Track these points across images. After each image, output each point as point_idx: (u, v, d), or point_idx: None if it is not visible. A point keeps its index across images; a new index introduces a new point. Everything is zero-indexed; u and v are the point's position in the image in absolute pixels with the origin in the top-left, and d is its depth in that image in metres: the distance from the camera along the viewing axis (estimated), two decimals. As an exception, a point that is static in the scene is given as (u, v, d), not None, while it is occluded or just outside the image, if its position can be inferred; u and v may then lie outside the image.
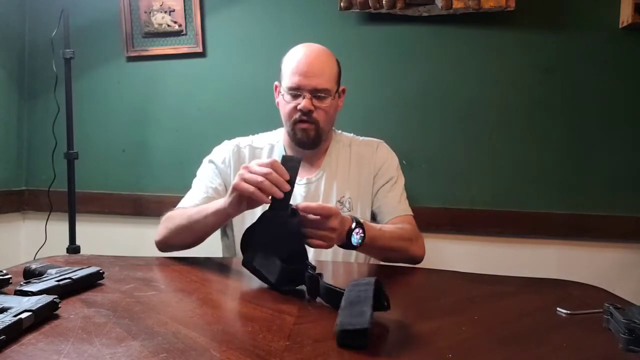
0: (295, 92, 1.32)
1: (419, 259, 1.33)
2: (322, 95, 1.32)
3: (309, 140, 1.36)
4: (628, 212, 1.82)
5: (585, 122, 1.84)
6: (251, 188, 0.98)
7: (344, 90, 1.43)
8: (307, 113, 1.31)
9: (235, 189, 1.02)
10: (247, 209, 1.08)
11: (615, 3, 1.79)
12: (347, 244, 1.12)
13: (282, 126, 1.44)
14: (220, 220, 1.16)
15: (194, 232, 1.20)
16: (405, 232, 1.31)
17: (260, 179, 0.97)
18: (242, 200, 1.03)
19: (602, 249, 1.84)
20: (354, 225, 1.11)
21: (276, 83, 1.41)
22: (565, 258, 1.86)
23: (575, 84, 1.84)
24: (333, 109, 1.38)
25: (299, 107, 1.31)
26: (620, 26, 1.79)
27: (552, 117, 1.85)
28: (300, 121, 1.33)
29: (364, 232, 1.13)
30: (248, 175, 0.99)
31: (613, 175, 1.83)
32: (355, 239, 1.11)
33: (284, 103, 1.35)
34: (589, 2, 1.81)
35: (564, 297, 0.97)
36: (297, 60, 1.33)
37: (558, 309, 0.88)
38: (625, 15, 1.76)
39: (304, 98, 1.31)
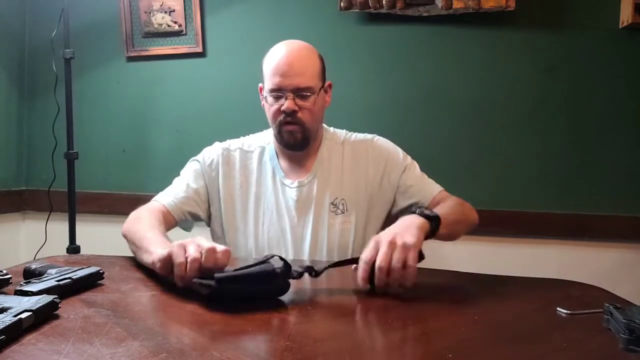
0: (277, 93, 1.28)
1: (477, 221, 1.34)
2: (306, 93, 1.28)
3: (296, 142, 1.32)
4: (628, 212, 1.82)
5: (585, 122, 1.84)
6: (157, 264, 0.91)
7: (330, 85, 1.39)
8: (290, 114, 1.27)
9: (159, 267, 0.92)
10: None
11: (615, 3, 1.79)
12: (430, 227, 1.06)
13: None
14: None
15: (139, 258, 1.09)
16: (457, 202, 1.32)
17: (179, 261, 0.87)
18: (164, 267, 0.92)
19: (602, 249, 1.84)
20: (417, 210, 1.07)
21: (260, 85, 1.37)
22: (566, 258, 1.86)
23: (575, 84, 1.84)
24: (319, 107, 1.33)
25: (282, 108, 1.27)
26: (620, 26, 1.79)
27: (552, 117, 1.85)
28: (286, 123, 1.29)
29: (425, 207, 1.12)
30: (176, 254, 0.89)
31: (613, 175, 1.83)
32: (428, 212, 1.07)
33: (267, 106, 1.32)
34: (589, 2, 1.82)
35: (564, 297, 0.97)
36: (276, 60, 1.29)
37: (558, 309, 0.87)
38: (625, 15, 1.76)
39: (286, 99, 1.27)
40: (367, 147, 1.41)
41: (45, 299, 0.73)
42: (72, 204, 1.85)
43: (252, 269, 0.85)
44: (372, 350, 0.71)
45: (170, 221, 1.31)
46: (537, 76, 1.86)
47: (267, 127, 1.50)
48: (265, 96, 1.31)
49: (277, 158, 1.40)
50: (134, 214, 1.26)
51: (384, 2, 1.82)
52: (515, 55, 1.86)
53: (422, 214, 1.06)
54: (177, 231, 1.36)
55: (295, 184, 1.36)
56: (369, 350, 0.71)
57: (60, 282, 0.84)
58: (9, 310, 0.68)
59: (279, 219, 1.35)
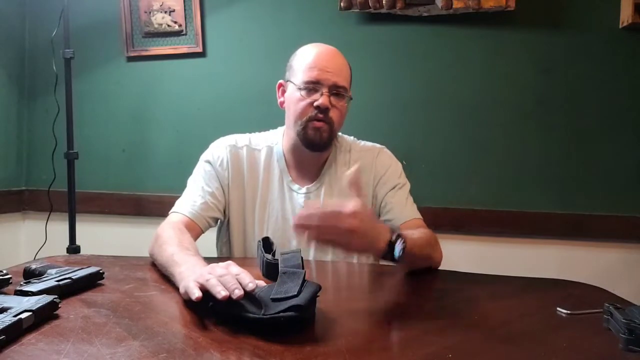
0: (314, 85, 1.23)
1: (439, 264, 1.25)
2: (341, 93, 1.25)
3: (321, 142, 1.26)
4: (628, 212, 1.82)
5: (585, 122, 1.84)
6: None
7: (351, 97, 1.35)
8: (324, 110, 1.22)
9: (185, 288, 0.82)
10: None
11: (615, 3, 1.79)
12: (388, 255, 0.97)
13: (281, 126, 1.38)
14: None
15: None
16: (429, 237, 1.20)
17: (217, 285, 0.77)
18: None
19: (602, 249, 1.84)
20: (394, 237, 0.97)
21: (281, 81, 1.33)
22: (565, 258, 1.86)
23: (575, 84, 1.84)
24: (345, 112, 1.30)
25: (316, 103, 1.22)
26: (620, 26, 1.79)
27: (551, 117, 1.85)
28: (316, 119, 1.23)
29: (404, 242, 0.98)
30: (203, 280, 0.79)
31: (613, 175, 1.83)
32: (398, 249, 0.96)
33: (297, 99, 1.25)
34: (589, 2, 1.82)
35: (564, 297, 0.97)
36: (315, 54, 1.25)
37: (558, 309, 0.87)
38: (625, 15, 1.76)
39: (321, 95, 1.22)
40: (373, 157, 1.38)
41: (45, 299, 0.73)
42: (72, 204, 1.85)
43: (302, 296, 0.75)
44: (372, 350, 0.71)
45: (196, 230, 1.25)
46: (537, 76, 1.86)
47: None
48: (300, 88, 1.25)
49: (285, 160, 1.35)
50: (156, 238, 1.15)
51: (384, 2, 1.82)
52: (515, 55, 1.86)
53: (394, 239, 0.97)
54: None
55: (304, 190, 1.33)
56: (369, 350, 0.71)
57: (60, 282, 0.84)
58: (9, 310, 0.68)
59: (284, 224, 1.32)
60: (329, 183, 1.35)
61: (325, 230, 0.87)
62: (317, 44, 1.31)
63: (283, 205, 1.33)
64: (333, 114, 1.24)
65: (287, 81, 1.31)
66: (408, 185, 1.40)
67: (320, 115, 1.23)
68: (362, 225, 0.89)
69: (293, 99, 1.27)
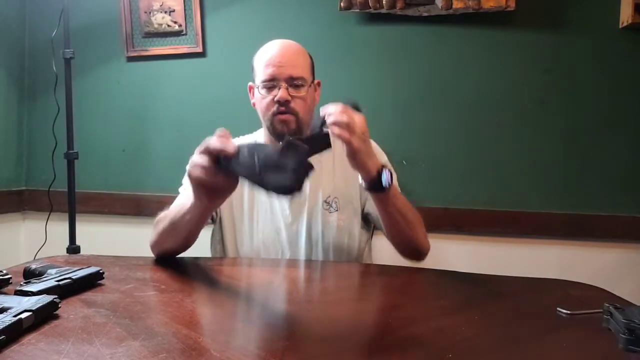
0: (271, 83, 1.28)
1: (425, 252, 1.27)
2: (299, 83, 1.29)
3: (290, 133, 1.29)
4: (628, 212, 1.82)
5: (585, 122, 1.84)
6: (197, 172, 0.89)
7: (319, 84, 1.39)
8: (284, 103, 1.27)
9: (189, 178, 0.92)
10: (213, 199, 0.94)
11: (615, 3, 1.79)
12: (376, 184, 1.07)
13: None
14: (200, 215, 1.04)
15: (179, 233, 1.10)
16: (418, 214, 1.25)
17: (201, 159, 0.89)
18: (198, 189, 0.92)
19: (602, 249, 1.84)
20: (382, 167, 1.07)
21: (250, 84, 1.38)
22: (566, 258, 1.86)
23: (575, 84, 1.84)
24: (310, 100, 1.33)
25: (275, 98, 1.27)
26: (620, 26, 1.79)
27: (552, 117, 1.85)
28: (279, 113, 1.28)
29: (392, 177, 1.09)
30: (192, 164, 0.90)
31: (613, 175, 1.83)
32: (385, 177, 1.06)
33: (260, 98, 1.32)
34: (589, 2, 1.82)
35: (564, 297, 0.97)
36: (269, 53, 1.31)
37: (558, 309, 0.87)
38: (625, 15, 1.76)
39: (279, 89, 1.27)
40: None
41: (45, 299, 0.73)
42: (72, 204, 1.85)
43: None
44: (372, 350, 0.71)
45: None
46: (537, 76, 1.86)
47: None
48: (258, 87, 1.31)
49: None
50: (154, 226, 1.18)
51: (384, 2, 1.82)
52: (515, 55, 1.86)
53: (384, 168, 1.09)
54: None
55: None
56: (369, 350, 0.71)
57: (60, 282, 0.83)
58: (9, 310, 0.68)
59: (272, 218, 1.35)
60: (313, 174, 1.35)
61: (350, 121, 1.04)
62: (272, 42, 1.34)
63: (270, 199, 1.36)
64: (296, 105, 1.29)
65: (254, 83, 1.36)
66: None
67: (282, 108, 1.28)
68: (368, 141, 1.10)
69: (258, 98, 1.33)
